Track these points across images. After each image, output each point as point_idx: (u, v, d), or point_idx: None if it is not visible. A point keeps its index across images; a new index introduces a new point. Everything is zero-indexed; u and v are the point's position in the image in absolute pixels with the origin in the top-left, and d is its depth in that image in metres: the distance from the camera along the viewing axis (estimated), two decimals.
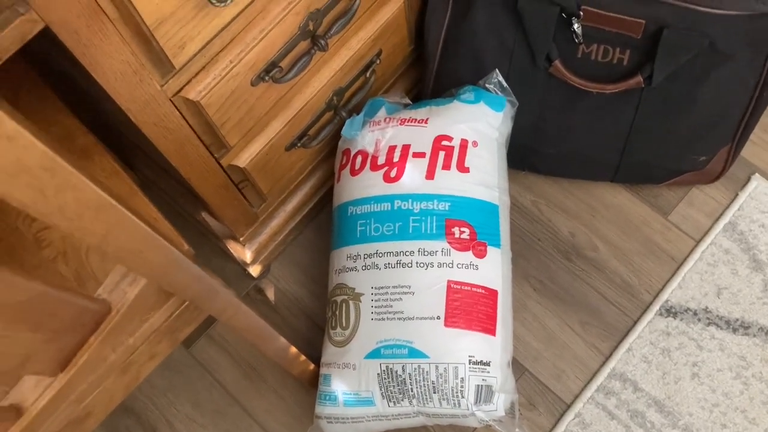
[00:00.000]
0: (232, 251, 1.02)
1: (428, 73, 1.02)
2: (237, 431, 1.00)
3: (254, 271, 1.05)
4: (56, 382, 0.50)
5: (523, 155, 1.03)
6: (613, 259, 1.04)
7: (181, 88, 0.69)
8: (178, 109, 0.71)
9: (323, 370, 0.92)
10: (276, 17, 0.72)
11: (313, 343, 1.00)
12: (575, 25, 0.88)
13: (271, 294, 1.07)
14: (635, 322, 1.00)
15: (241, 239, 1.00)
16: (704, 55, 0.86)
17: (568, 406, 0.97)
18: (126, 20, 0.58)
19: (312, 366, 0.94)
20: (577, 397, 0.98)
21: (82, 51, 0.57)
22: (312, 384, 0.96)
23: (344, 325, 0.90)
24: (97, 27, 0.56)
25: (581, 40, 0.89)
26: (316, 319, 1.04)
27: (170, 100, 0.69)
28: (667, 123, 0.94)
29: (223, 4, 0.61)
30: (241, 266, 1.05)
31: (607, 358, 0.99)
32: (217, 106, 0.73)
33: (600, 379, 0.98)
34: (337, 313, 0.91)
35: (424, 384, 0.84)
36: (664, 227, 1.05)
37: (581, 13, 0.86)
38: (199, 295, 0.58)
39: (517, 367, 0.99)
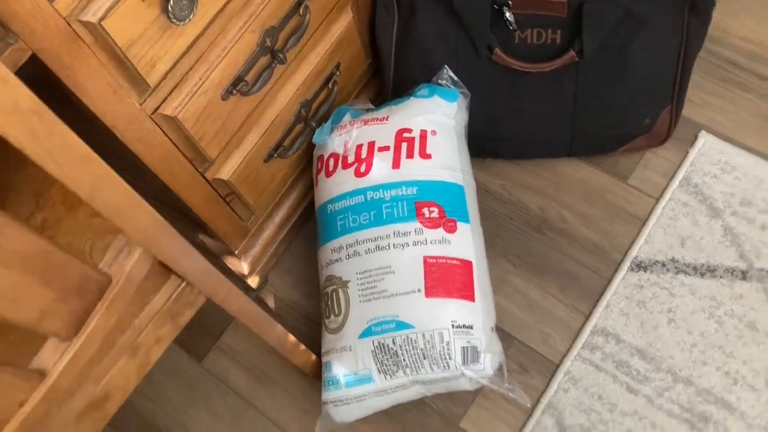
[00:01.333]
0: (230, 266, 1.10)
1: (386, 81, 1.12)
2: (254, 431, 1.07)
3: (253, 282, 1.13)
4: (71, 346, 0.58)
5: (483, 144, 1.12)
6: (582, 227, 1.12)
7: (159, 106, 0.79)
8: (158, 126, 0.80)
9: (324, 359, 0.99)
10: (235, 36, 0.82)
11: (315, 341, 1.07)
12: (507, 14, 0.98)
13: (271, 302, 1.14)
14: (609, 281, 1.07)
15: (236, 252, 1.09)
16: (625, 24, 0.96)
17: (558, 366, 1.04)
18: (101, 44, 0.68)
19: (314, 357, 1.02)
20: (564, 356, 1.04)
21: (66, 74, 0.66)
22: (316, 375, 1.03)
23: (336, 312, 0.98)
24: (76, 52, 0.66)
25: (515, 27, 0.99)
26: (314, 317, 1.12)
27: (150, 117, 0.78)
28: (606, 92, 1.03)
29: (182, 23, 0.71)
30: (241, 280, 1.13)
31: (588, 316, 1.06)
32: (193, 121, 0.83)
33: (584, 336, 1.05)
34: (329, 303, 0.99)
35: (413, 352, 0.92)
36: (625, 191, 1.13)
37: (510, 2, 0.96)
38: (191, 269, 0.67)
39: (505, 336, 1.06)
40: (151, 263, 0.63)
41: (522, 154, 1.15)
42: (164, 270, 0.70)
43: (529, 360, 1.05)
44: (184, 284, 0.72)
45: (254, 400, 1.09)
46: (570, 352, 1.04)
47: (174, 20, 0.70)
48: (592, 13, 0.94)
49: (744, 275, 1.04)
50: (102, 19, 0.65)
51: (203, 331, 1.14)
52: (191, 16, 0.71)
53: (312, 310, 1.12)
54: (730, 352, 1.01)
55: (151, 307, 0.70)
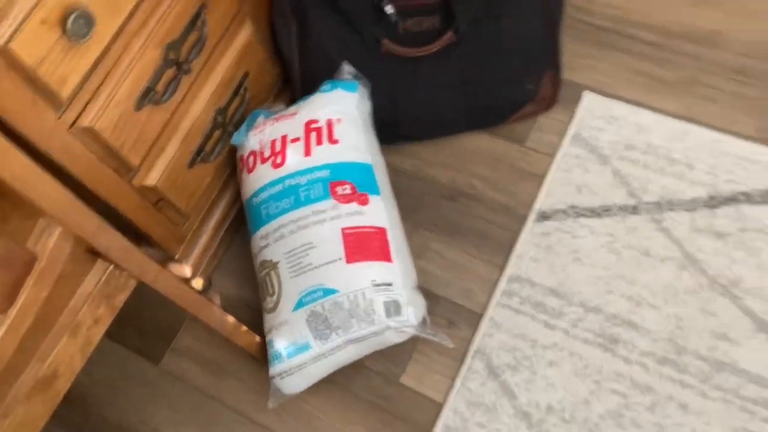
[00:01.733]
0: (172, 271, 1.19)
1: (295, 86, 1.23)
2: (213, 419, 1.15)
3: (197, 284, 1.21)
4: (7, 317, 0.67)
5: (389, 130, 1.22)
6: (489, 191, 1.23)
7: (76, 119, 0.88)
8: (78, 138, 0.90)
9: (267, 338, 1.08)
10: (138, 52, 0.93)
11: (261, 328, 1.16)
12: (387, 8, 1.10)
13: (217, 301, 1.23)
14: (518, 233, 1.18)
15: (176, 257, 1.18)
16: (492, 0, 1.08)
17: (482, 315, 1.14)
18: (11, 65, 0.77)
19: (257, 338, 1.10)
20: (486, 306, 1.14)
21: None
22: (263, 357, 1.11)
23: (271, 292, 1.07)
24: None
25: (396, 18, 1.11)
26: (258, 308, 1.21)
27: (69, 130, 0.88)
28: (487, 65, 1.15)
29: (83, 40, 0.81)
30: (186, 284, 1.21)
31: (503, 268, 1.16)
32: (110, 131, 0.92)
33: (501, 285, 1.15)
34: (264, 286, 1.08)
35: (341, 314, 1.01)
36: (523, 153, 1.24)
37: None
38: (112, 247, 0.76)
39: (432, 296, 1.15)
40: (72, 243, 0.72)
41: (426, 134, 1.26)
42: (91, 255, 0.79)
43: (456, 314, 1.15)
44: (112, 267, 0.81)
45: (211, 391, 1.17)
46: (491, 302, 1.14)
47: (74, 38, 0.80)
48: None
49: (635, 210, 1.16)
50: (8, 42, 0.75)
51: (157, 336, 1.23)
52: (90, 34, 0.82)
53: (256, 302, 1.21)
54: (631, 279, 1.11)
55: (84, 289, 0.79)
